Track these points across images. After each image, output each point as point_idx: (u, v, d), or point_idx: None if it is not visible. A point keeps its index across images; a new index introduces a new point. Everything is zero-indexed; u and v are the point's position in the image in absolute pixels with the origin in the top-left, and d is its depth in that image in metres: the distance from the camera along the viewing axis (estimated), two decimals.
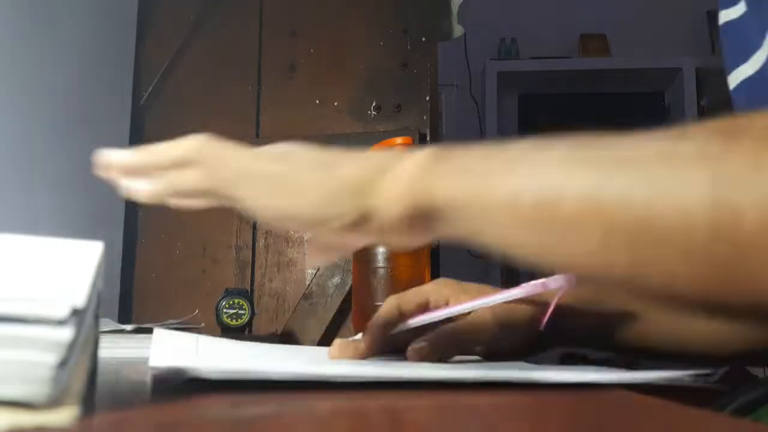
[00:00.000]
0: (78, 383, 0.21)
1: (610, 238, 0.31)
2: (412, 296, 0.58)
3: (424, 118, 1.53)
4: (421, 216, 0.38)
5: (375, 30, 1.59)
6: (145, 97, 1.65)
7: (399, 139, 1.19)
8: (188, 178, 0.44)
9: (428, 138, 1.52)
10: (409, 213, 0.38)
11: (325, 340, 1.43)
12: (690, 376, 0.35)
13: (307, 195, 0.39)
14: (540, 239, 0.34)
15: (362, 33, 1.59)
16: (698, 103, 3.02)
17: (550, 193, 0.34)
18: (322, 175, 0.40)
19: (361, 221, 0.39)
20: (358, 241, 0.43)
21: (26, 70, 1.27)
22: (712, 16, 3.04)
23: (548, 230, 0.33)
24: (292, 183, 0.40)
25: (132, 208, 1.61)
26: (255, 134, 1.61)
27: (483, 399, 0.26)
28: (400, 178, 0.38)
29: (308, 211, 0.39)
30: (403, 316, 0.56)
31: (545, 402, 0.26)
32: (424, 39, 1.57)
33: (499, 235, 0.36)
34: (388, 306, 0.56)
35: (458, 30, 1.69)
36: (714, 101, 2.96)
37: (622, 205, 0.31)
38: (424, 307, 0.57)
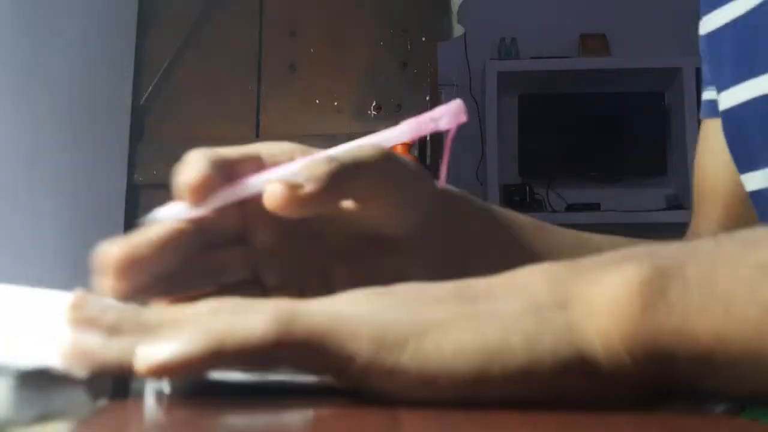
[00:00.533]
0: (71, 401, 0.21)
1: None
2: (231, 151, 0.36)
3: None
4: (652, 365, 0.25)
5: (375, 30, 1.59)
6: (145, 96, 1.65)
7: None
8: (249, 327, 0.24)
9: (428, 138, 1.52)
10: (641, 367, 0.25)
11: None
12: None
13: (451, 341, 0.25)
14: None
15: (362, 33, 1.59)
16: (698, 103, 3.02)
17: None
18: (464, 313, 0.26)
19: (558, 374, 0.25)
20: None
21: (26, 69, 1.27)
22: None
23: None
24: (425, 322, 0.25)
25: (132, 207, 1.61)
26: (255, 134, 1.61)
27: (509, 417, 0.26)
28: (612, 307, 0.25)
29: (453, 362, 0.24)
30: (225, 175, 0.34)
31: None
32: (424, 39, 1.57)
33: None
34: (196, 160, 0.35)
35: (458, 30, 1.69)
36: None
37: None
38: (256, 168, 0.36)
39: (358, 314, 0.25)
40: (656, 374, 0.25)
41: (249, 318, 0.24)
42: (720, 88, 0.58)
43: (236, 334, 0.23)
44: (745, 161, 0.57)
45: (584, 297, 0.25)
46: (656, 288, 0.25)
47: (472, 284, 0.27)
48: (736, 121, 0.56)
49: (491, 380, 0.24)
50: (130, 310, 0.26)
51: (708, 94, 0.65)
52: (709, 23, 0.58)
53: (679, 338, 0.24)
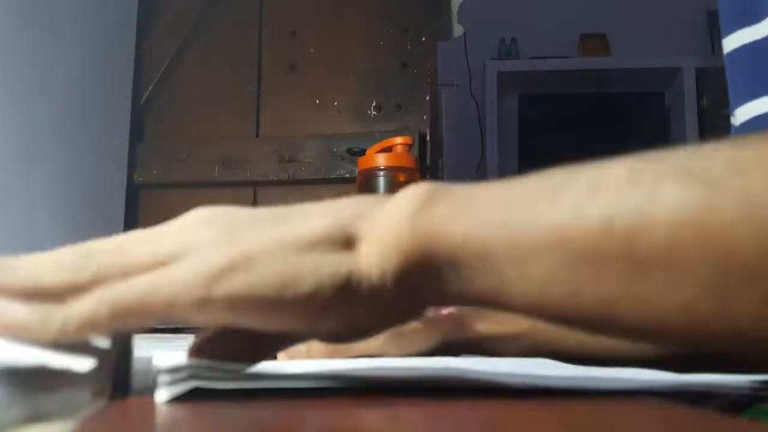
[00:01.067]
0: (79, 399, 0.21)
1: (724, 277, 0.24)
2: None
3: (424, 118, 1.53)
4: (424, 271, 0.28)
5: (375, 30, 1.59)
6: (145, 96, 1.65)
7: (399, 139, 1.19)
8: (79, 309, 0.26)
9: (428, 138, 1.52)
10: (407, 267, 0.28)
11: None
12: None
13: (261, 266, 0.27)
14: (611, 285, 0.26)
15: (362, 33, 1.59)
16: (698, 103, 3.02)
17: (628, 219, 0.25)
18: (274, 235, 0.27)
19: (341, 292, 0.27)
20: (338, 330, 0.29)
21: (26, 69, 1.27)
22: (712, 16, 3.04)
23: (626, 271, 0.25)
24: (237, 253, 0.27)
25: (132, 208, 1.61)
26: (255, 134, 1.61)
27: (489, 407, 0.26)
28: (388, 222, 0.28)
29: (269, 289, 0.26)
30: None
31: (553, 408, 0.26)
32: (424, 39, 1.57)
33: (542, 283, 0.26)
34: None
35: (458, 30, 1.69)
36: (714, 101, 2.96)
37: (746, 234, 0.24)
38: None
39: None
40: (426, 286, 0.28)
41: (76, 306, 0.26)
42: (735, 105, 0.58)
43: (73, 321, 0.26)
44: None
45: (372, 214, 0.29)
46: (427, 199, 0.28)
47: (294, 207, 0.30)
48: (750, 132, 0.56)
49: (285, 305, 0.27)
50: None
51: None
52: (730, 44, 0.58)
53: (433, 236, 0.27)
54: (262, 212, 0.29)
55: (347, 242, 0.28)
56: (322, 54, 1.61)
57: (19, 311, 0.26)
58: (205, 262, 0.27)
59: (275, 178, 1.55)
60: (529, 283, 0.27)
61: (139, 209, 1.63)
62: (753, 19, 0.55)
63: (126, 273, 0.27)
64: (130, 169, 1.60)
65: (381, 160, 1.11)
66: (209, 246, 0.28)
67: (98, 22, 1.49)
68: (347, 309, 0.27)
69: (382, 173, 1.10)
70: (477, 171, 3.25)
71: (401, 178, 1.11)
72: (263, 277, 0.26)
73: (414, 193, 0.29)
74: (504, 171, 3.13)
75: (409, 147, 1.17)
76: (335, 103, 1.58)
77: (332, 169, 1.54)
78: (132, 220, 1.61)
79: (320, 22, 1.62)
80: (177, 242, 0.29)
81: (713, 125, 2.94)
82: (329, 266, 0.27)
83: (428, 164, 1.50)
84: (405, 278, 0.28)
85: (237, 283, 0.26)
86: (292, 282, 0.27)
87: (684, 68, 3.02)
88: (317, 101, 1.59)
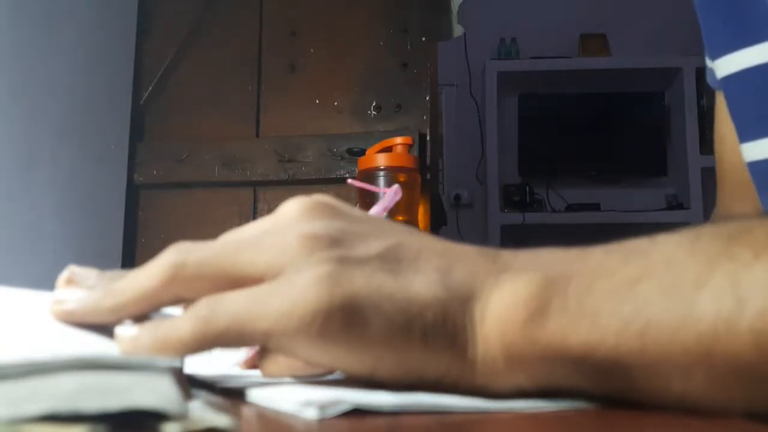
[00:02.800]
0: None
1: None
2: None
3: (424, 118, 1.53)
4: (539, 373, 0.27)
5: (375, 30, 1.59)
6: (145, 96, 1.65)
7: (399, 139, 1.19)
8: (180, 329, 0.27)
9: (428, 138, 1.52)
10: (519, 370, 0.27)
11: None
12: None
13: (365, 314, 0.26)
14: (765, 399, 0.25)
15: (362, 33, 1.59)
16: (698, 103, 3.02)
17: None
18: (385, 290, 0.27)
19: (445, 369, 0.27)
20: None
21: (26, 69, 1.27)
22: None
23: None
24: (340, 297, 0.26)
25: (132, 207, 1.61)
26: (255, 134, 1.61)
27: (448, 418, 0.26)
28: (498, 327, 0.27)
29: (373, 341, 0.27)
30: None
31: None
32: (424, 39, 1.57)
33: (684, 395, 0.26)
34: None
35: (458, 30, 1.69)
36: (714, 101, 2.95)
37: None
38: None
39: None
40: (531, 377, 0.27)
41: (176, 325, 0.27)
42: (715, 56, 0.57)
43: (170, 342, 0.27)
44: (742, 131, 0.57)
45: (485, 296, 0.28)
46: (539, 304, 0.27)
47: (399, 246, 0.29)
48: (735, 90, 0.56)
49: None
50: (107, 276, 0.31)
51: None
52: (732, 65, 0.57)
53: (552, 350, 0.26)
54: (366, 238, 0.29)
55: (453, 324, 0.27)
56: (322, 54, 1.61)
57: (140, 337, 0.27)
58: (305, 296, 0.26)
59: (275, 178, 1.55)
60: (669, 393, 0.26)
61: (139, 209, 1.63)
62: None
63: (220, 277, 0.28)
64: (130, 169, 1.60)
65: (381, 160, 1.11)
66: (309, 274, 0.26)
67: (98, 22, 1.49)
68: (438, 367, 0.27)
69: (382, 173, 1.10)
70: (477, 171, 3.25)
71: (401, 178, 1.11)
72: (367, 328, 0.26)
73: (527, 293, 0.27)
74: (504, 171, 3.13)
75: (409, 147, 1.18)
76: (335, 103, 1.58)
77: (332, 169, 1.54)
78: (132, 220, 1.61)
79: (320, 22, 1.62)
80: (276, 254, 0.28)
81: (713, 125, 2.93)
82: (435, 347, 0.27)
83: (428, 164, 1.50)
84: (513, 375, 0.27)
85: (335, 329, 0.26)
86: (397, 342, 0.26)
87: (684, 68, 3.02)
88: (317, 101, 1.59)
